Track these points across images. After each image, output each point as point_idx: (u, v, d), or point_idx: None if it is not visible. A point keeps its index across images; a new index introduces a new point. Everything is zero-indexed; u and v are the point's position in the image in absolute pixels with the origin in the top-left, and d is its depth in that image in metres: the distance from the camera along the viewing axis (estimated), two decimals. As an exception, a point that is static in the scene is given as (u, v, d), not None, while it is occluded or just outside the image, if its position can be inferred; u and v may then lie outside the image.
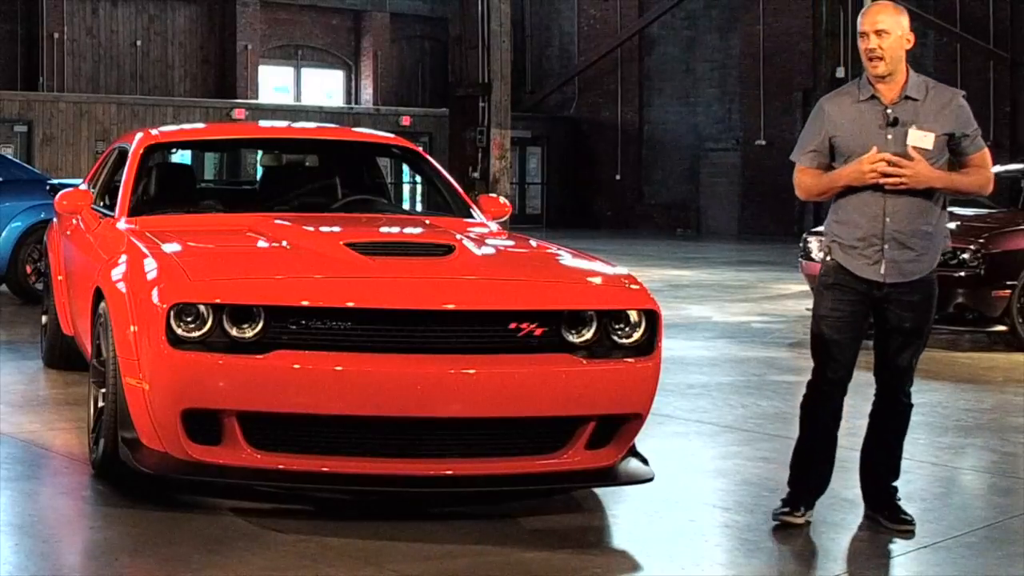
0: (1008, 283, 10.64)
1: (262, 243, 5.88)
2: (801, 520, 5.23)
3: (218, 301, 5.05)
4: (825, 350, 5.14)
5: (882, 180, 4.91)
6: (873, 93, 5.01)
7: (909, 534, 5.09)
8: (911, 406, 5.25)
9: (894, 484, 5.26)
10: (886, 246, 5.00)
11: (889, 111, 4.98)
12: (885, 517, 5.19)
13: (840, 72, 18.83)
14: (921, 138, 4.93)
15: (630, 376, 5.25)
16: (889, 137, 4.96)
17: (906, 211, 4.98)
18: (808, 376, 5.24)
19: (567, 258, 5.93)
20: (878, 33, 4.93)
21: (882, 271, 5.02)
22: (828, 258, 5.16)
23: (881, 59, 4.94)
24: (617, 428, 5.28)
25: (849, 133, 5.02)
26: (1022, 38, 27.77)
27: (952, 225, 11.55)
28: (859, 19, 5.03)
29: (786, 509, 5.25)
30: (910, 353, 5.15)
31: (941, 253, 5.14)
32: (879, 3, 5.06)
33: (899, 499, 5.24)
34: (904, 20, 4.99)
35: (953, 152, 5.03)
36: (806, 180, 5.15)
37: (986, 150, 5.09)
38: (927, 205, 5.01)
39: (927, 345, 5.29)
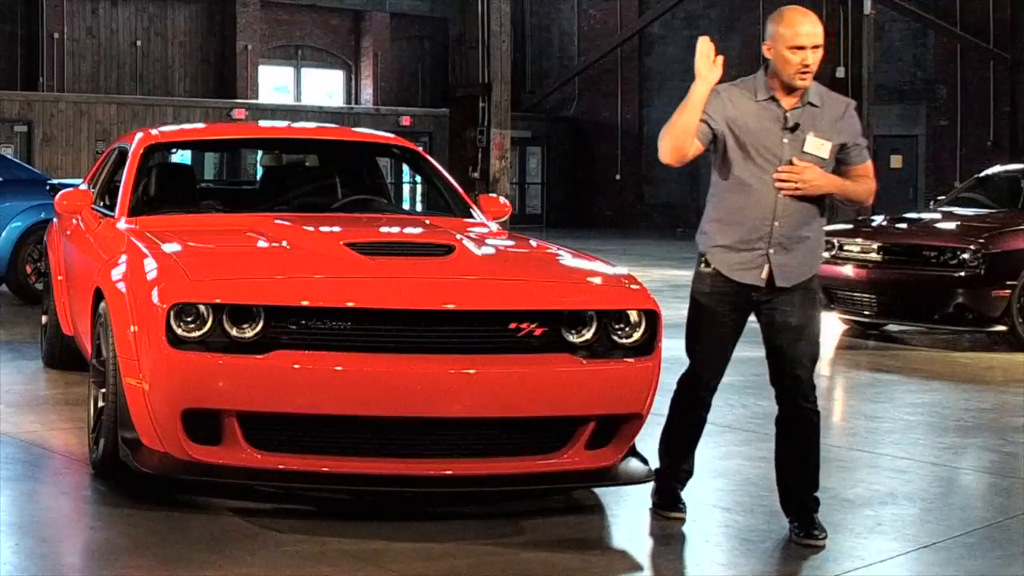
0: (1008, 283, 10.63)
1: (262, 243, 5.88)
2: (681, 515, 5.24)
3: (218, 301, 5.05)
4: (702, 358, 5.14)
5: (780, 186, 4.86)
6: (772, 95, 4.95)
7: (817, 549, 4.91)
8: (817, 412, 5.02)
9: (814, 495, 5.03)
10: (771, 250, 4.93)
11: (788, 115, 4.92)
12: (795, 529, 4.99)
13: (840, 72, 18.79)
14: (819, 146, 4.90)
15: (630, 376, 5.25)
16: (786, 141, 4.91)
17: (796, 216, 4.93)
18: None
19: (567, 258, 5.93)
20: (815, 48, 4.82)
21: (764, 275, 4.95)
22: (704, 266, 5.09)
23: (811, 73, 4.86)
24: (617, 428, 5.28)
25: (749, 130, 4.93)
26: (1022, 38, 27.74)
27: (952, 225, 11.58)
28: (788, 29, 4.83)
29: (662, 504, 5.31)
30: (802, 348, 4.98)
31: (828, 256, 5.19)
32: (807, 15, 4.89)
33: (816, 512, 5.01)
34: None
35: (839, 161, 4.99)
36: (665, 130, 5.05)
37: (870, 162, 5.07)
38: (816, 211, 4.99)
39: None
